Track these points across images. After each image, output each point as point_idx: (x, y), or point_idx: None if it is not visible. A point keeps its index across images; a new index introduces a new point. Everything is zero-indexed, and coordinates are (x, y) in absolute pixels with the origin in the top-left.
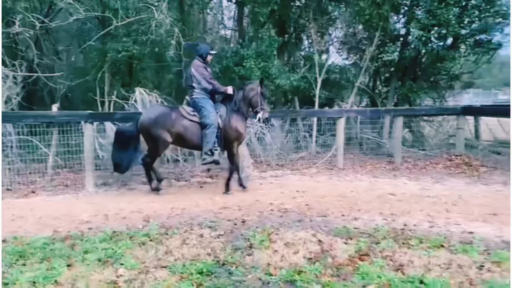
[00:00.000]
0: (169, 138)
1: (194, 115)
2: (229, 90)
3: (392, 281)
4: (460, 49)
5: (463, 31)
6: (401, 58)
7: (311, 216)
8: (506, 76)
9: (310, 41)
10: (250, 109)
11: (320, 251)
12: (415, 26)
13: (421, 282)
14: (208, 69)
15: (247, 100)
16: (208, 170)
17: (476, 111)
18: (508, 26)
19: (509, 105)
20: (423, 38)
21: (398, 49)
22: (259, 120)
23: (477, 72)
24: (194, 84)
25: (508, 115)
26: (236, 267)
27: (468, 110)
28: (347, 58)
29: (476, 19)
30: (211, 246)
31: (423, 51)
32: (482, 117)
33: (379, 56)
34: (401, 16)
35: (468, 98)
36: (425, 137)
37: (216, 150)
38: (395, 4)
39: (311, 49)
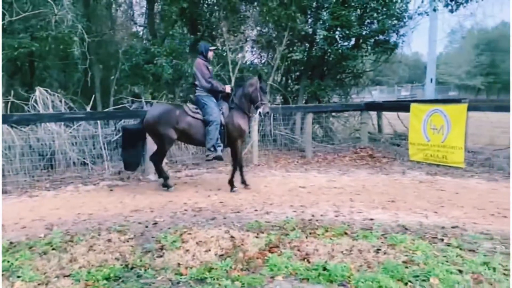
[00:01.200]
0: (174, 135)
1: (197, 113)
2: (227, 89)
3: (298, 270)
4: (362, 49)
5: (364, 32)
6: (309, 57)
7: (225, 213)
8: (407, 74)
9: (222, 39)
10: (251, 105)
11: (232, 247)
12: (320, 27)
13: (324, 268)
14: (210, 68)
15: (248, 96)
16: (119, 172)
17: (378, 107)
18: (403, 28)
19: (406, 101)
20: (328, 39)
21: (306, 49)
22: (260, 114)
23: (382, 71)
24: (196, 82)
25: (406, 110)
26: (146, 270)
27: (370, 106)
28: (260, 57)
29: (375, 21)
30: (119, 251)
31: (329, 50)
32: (384, 112)
33: (289, 55)
34: (308, 17)
35: (375, 94)
36: (333, 132)
37: (219, 146)
38: (302, 5)
39: (224, 48)
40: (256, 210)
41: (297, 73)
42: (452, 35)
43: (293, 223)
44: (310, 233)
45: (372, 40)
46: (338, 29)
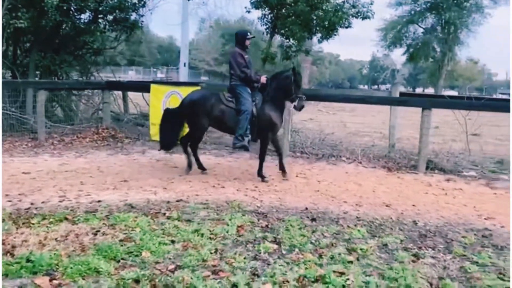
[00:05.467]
0: (206, 121)
1: (231, 101)
2: (263, 79)
3: None
4: (100, 25)
5: (101, 7)
6: (38, 27)
7: None
8: (163, 57)
9: None
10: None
11: None
12: None
13: (28, 260)
14: (246, 57)
15: (282, 89)
16: None
17: (120, 86)
18: (144, 8)
19: (147, 82)
20: (61, 9)
21: (34, 17)
22: (294, 108)
23: (139, 52)
24: (232, 71)
25: (147, 90)
26: None
27: (112, 85)
28: None
29: None
30: None
31: (64, 22)
32: (130, 93)
33: (11, 22)
34: None
35: (131, 75)
36: (74, 111)
37: (247, 136)
38: None
39: None
40: None
41: (27, 44)
42: (202, 23)
43: (6, 214)
44: (23, 223)
45: (111, 16)
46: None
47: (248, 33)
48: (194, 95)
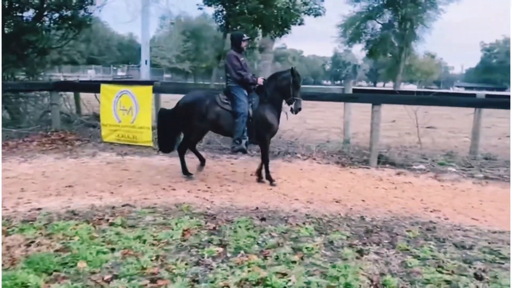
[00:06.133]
0: (202, 124)
1: (227, 104)
2: (260, 81)
3: None
4: (44, 23)
5: (45, 4)
6: None
7: None
8: (124, 55)
9: None
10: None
11: None
12: None
13: None
14: (241, 59)
15: (280, 90)
16: None
17: (68, 87)
18: (92, 6)
19: (97, 82)
20: (6, 5)
21: None
22: (291, 110)
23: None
24: (228, 74)
25: (97, 91)
26: None
27: (60, 86)
28: None
29: None
30: None
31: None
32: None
33: None
34: None
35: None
36: (21, 114)
37: (245, 139)
38: None
39: None
40: None
41: None
42: (163, 20)
43: None
44: None
45: (57, 14)
46: None
47: (244, 35)
48: (189, 97)
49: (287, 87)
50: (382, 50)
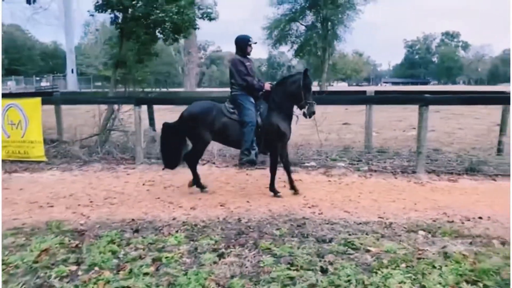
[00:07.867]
0: (209, 135)
1: (234, 113)
2: (267, 86)
3: None
4: None
5: None
6: None
7: None
8: (48, 65)
9: None
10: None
11: None
12: None
13: None
14: (247, 64)
15: (290, 95)
16: None
17: None
18: None
19: None
20: None
21: None
22: (304, 115)
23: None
24: (232, 80)
25: None
26: None
27: None
28: None
29: None
30: None
31: None
32: None
33: None
34: None
35: (11, 85)
36: None
37: (254, 149)
38: None
39: None
40: None
41: None
42: (87, 27)
43: None
44: None
45: None
46: None
47: (250, 38)
48: (194, 108)
49: (298, 91)
50: (307, 51)
